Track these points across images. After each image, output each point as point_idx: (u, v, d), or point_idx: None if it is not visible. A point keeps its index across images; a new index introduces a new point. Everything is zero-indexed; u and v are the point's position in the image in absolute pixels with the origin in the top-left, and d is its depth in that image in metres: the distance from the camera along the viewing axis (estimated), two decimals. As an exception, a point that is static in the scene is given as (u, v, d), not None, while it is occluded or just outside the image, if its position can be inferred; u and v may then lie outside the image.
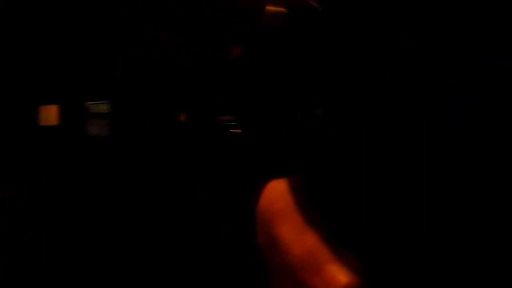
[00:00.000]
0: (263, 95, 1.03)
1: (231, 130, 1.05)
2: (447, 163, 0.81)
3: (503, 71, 0.82)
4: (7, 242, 1.26)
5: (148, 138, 1.23)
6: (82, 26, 1.30)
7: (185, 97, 1.19)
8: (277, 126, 0.99)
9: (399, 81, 0.87)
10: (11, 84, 1.36)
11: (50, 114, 1.36)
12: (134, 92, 1.25)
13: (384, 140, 0.83)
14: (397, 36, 0.88)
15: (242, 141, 1.02)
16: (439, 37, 0.85)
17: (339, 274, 0.80)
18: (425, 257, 0.80)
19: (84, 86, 1.32)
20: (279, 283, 0.91)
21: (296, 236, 0.84)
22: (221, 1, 1.18)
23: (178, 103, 1.17)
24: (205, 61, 1.16)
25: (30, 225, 1.27)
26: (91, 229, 1.27)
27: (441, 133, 0.82)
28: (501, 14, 0.82)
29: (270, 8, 1.16)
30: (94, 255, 1.26)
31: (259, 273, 0.94)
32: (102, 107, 1.36)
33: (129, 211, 1.24)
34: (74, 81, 1.33)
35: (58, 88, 1.35)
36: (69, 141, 1.32)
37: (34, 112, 1.34)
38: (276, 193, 0.90)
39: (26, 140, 1.32)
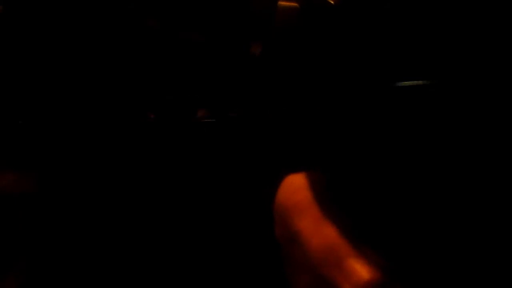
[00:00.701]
0: (278, 91, 1.04)
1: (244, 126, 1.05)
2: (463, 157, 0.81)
3: None
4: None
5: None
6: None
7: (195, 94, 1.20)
8: (292, 121, 1.00)
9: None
10: None
11: None
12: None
13: (403, 133, 0.83)
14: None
15: (257, 137, 1.02)
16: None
17: (361, 269, 0.79)
18: (448, 252, 0.80)
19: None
20: (297, 277, 0.91)
21: (316, 230, 0.84)
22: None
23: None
24: (219, 58, 1.17)
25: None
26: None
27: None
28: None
29: (282, 3, 1.17)
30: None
31: (276, 267, 0.95)
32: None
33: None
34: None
35: None
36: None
37: None
38: (294, 186, 0.90)
39: None
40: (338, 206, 0.85)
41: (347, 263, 0.80)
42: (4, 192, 1.26)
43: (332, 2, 1.04)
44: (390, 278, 0.79)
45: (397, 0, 0.87)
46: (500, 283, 0.78)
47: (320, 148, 0.92)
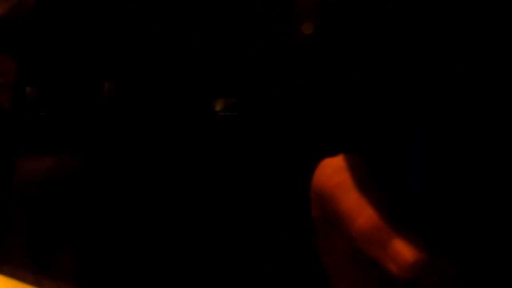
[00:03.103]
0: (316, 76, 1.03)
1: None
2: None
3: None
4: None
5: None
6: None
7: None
8: (330, 105, 1.00)
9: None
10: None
11: None
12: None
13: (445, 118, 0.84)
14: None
15: (296, 119, 1.03)
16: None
17: (407, 251, 0.80)
18: (492, 235, 0.81)
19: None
20: (333, 256, 0.93)
21: (360, 210, 0.86)
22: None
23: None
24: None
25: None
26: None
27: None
28: None
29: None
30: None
31: (312, 248, 0.97)
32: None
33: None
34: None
35: None
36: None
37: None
38: (332, 168, 0.92)
39: None
40: (379, 190, 0.87)
41: (393, 245, 0.81)
42: (44, 176, 1.27)
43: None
44: (434, 259, 0.80)
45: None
46: None
47: (357, 132, 0.95)
